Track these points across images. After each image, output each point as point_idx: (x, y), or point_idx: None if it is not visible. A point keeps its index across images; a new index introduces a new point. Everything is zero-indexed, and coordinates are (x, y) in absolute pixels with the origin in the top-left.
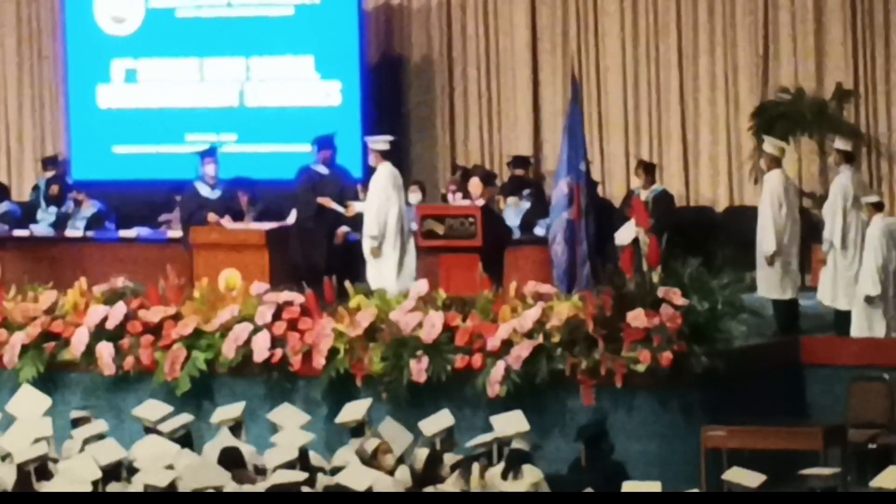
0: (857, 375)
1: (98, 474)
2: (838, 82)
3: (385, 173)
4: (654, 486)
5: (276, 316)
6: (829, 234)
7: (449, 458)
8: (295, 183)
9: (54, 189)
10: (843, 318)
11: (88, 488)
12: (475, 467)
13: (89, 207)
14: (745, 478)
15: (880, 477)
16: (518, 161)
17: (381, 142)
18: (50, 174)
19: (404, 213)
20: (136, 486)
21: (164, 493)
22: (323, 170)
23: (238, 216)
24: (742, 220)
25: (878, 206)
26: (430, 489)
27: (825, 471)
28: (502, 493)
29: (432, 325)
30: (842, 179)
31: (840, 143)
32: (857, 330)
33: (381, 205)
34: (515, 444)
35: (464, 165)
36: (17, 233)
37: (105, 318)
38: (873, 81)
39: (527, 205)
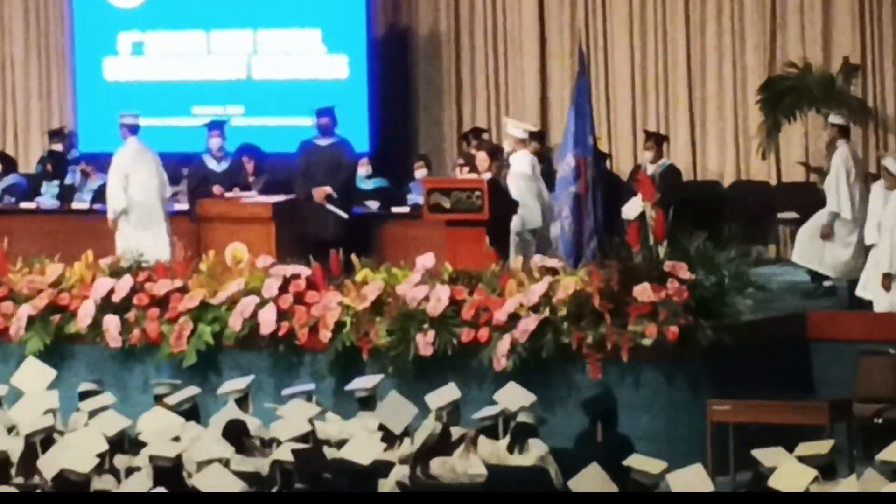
0: (864, 350)
1: (104, 446)
2: (845, 56)
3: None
4: (660, 465)
5: (283, 289)
6: (834, 206)
7: (455, 432)
8: (296, 157)
9: (49, 167)
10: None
11: (95, 461)
12: (481, 441)
13: (96, 180)
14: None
15: (887, 451)
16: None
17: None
18: (56, 146)
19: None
20: (143, 458)
21: (165, 493)
22: (323, 141)
23: (245, 189)
24: (749, 194)
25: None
26: (438, 461)
27: (820, 448)
28: (509, 494)
29: (438, 299)
30: (842, 152)
31: (835, 118)
32: (880, 304)
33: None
34: (521, 418)
35: (470, 130)
36: (24, 205)
37: (111, 291)
38: (881, 56)
39: None
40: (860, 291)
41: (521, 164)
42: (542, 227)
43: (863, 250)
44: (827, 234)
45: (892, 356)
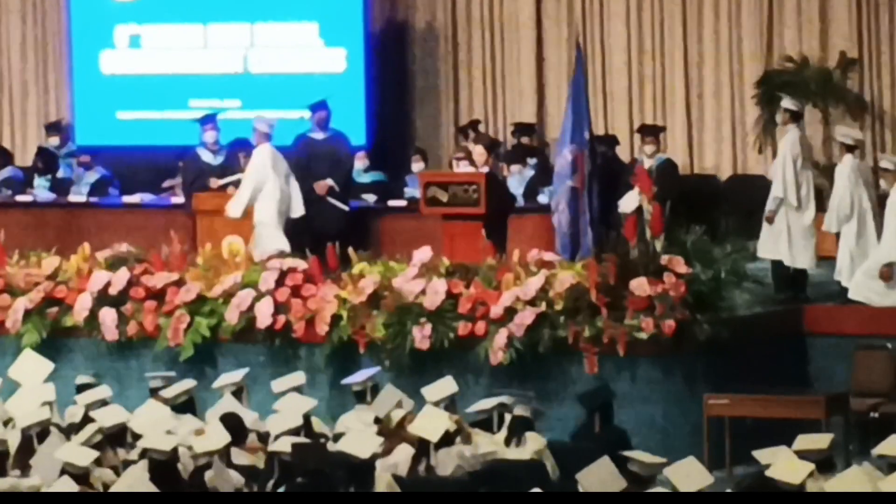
0: (861, 344)
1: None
2: (842, 51)
3: None
4: (657, 459)
5: (280, 282)
6: (779, 191)
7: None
8: (291, 151)
9: (39, 163)
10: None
11: (94, 454)
12: (478, 434)
13: (93, 173)
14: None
15: (883, 445)
16: (522, 128)
17: None
18: (53, 139)
19: None
20: (138, 452)
21: (165, 494)
22: (319, 135)
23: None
24: (746, 188)
25: (849, 148)
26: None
27: (819, 443)
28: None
29: (435, 292)
30: (790, 137)
31: (787, 103)
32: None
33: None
34: (518, 412)
35: (468, 124)
36: (20, 198)
37: (108, 284)
38: (878, 50)
39: (530, 172)
40: (839, 277)
41: None
42: None
43: (808, 235)
44: (771, 217)
45: (889, 350)
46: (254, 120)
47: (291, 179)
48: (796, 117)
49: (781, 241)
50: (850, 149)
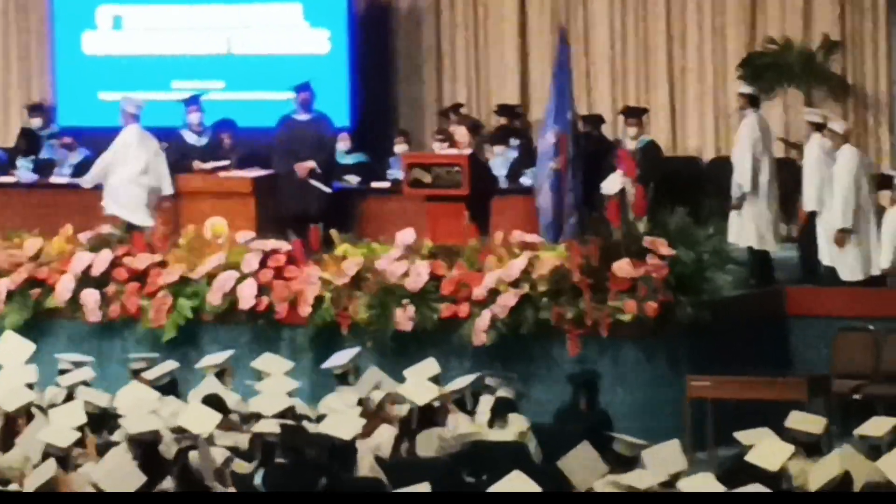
0: (842, 326)
1: (83, 419)
2: (825, 33)
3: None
4: (639, 442)
5: (263, 264)
6: (739, 177)
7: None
8: (274, 133)
9: (21, 144)
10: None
11: (76, 435)
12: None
13: (76, 155)
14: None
15: (864, 427)
16: (505, 110)
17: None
18: (35, 121)
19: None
20: (121, 433)
21: (165, 493)
22: (302, 116)
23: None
24: (729, 170)
25: (817, 127)
26: (424, 435)
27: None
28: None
29: (418, 274)
30: (748, 122)
31: (744, 88)
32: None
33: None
34: (501, 393)
35: (450, 107)
36: (3, 179)
37: (90, 265)
38: (860, 33)
39: (514, 154)
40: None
41: None
42: None
43: (771, 218)
44: (737, 205)
45: (871, 332)
46: (121, 101)
47: (161, 159)
48: (754, 102)
49: (746, 226)
50: (818, 127)
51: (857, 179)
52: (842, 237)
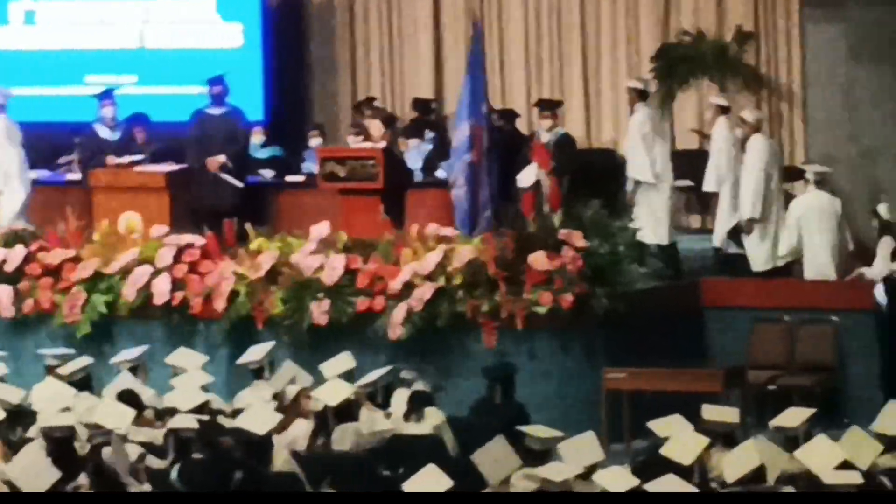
0: (758, 317)
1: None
2: (738, 25)
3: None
4: (556, 432)
5: (177, 259)
6: (632, 172)
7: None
8: (188, 127)
9: None
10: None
11: None
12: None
13: None
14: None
15: (780, 418)
16: (419, 103)
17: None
18: None
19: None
20: (36, 430)
21: (165, 493)
22: (215, 110)
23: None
24: None
25: (723, 110)
26: (340, 428)
27: (727, 416)
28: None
29: (333, 268)
30: (638, 117)
31: (633, 83)
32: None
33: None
34: (417, 387)
35: (362, 101)
36: None
37: (3, 261)
38: (774, 24)
39: (428, 147)
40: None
41: None
42: None
43: (665, 209)
44: (632, 198)
45: (786, 323)
46: None
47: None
48: (643, 96)
49: (642, 219)
50: (723, 110)
51: (767, 170)
52: (750, 226)
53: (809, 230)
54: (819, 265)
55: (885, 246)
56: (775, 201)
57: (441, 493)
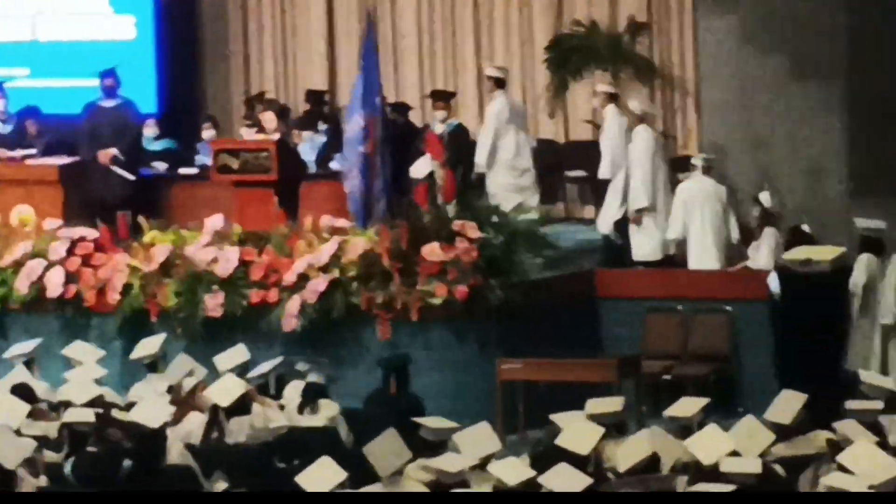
0: (651, 307)
1: None
2: (631, 15)
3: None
4: (451, 423)
5: (70, 252)
6: (478, 157)
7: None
8: (80, 119)
9: None
10: None
11: None
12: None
13: None
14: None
15: (674, 407)
16: (313, 95)
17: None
18: None
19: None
20: None
21: (165, 493)
22: (107, 103)
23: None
24: (537, 152)
25: (611, 97)
26: (235, 421)
27: (611, 405)
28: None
29: (227, 260)
30: (495, 105)
31: (491, 70)
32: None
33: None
34: (311, 378)
35: (254, 96)
36: None
37: None
38: (666, 15)
39: (322, 139)
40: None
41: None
42: None
43: (529, 195)
44: (477, 184)
45: (679, 313)
46: None
47: None
48: (500, 84)
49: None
50: (612, 98)
51: (653, 159)
52: (639, 217)
53: (693, 215)
54: (703, 252)
55: (770, 237)
56: (663, 192)
57: (441, 493)
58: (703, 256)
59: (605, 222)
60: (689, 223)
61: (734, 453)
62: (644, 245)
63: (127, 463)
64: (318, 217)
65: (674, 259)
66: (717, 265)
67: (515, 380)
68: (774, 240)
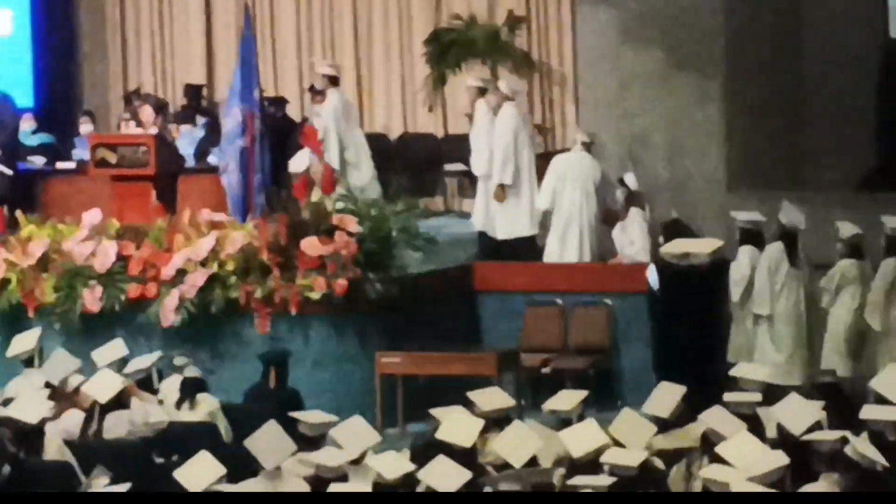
0: (531, 300)
1: None
2: (510, 9)
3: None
4: (329, 418)
5: None
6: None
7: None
8: None
9: None
10: None
11: None
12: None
13: None
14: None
15: (552, 401)
16: (191, 90)
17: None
18: None
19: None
20: None
21: (165, 493)
22: None
23: None
24: (416, 146)
25: (481, 91)
26: (113, 416)
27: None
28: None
29: (105, 255)
30: (330, 102)
31: (324, 69)
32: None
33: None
34: (189, 373)
35: (131, 91)
36: None
37: None
38: (545, 9)
39: (201, 133)
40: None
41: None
42: None
43: (369, 190)
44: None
45: (558, 306)
46: None
47: None
48: (334, 81)
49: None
50: (481, 92)
51: (517, 137)
52: (501, 193)
53: (565, 187)
54: (566, 230)
55: (637, 216)
56: (527, 170)
57: (441, 493)
58: (566, 234)
59: (480, 217)
60: (559, 196)
61: (615, 444)
62: (514, 222)
63: (6, 466)
64: (197, 211)
65: (534, 241)
66: (577, 243)
67: (395, 373)
68: (641, 217)
